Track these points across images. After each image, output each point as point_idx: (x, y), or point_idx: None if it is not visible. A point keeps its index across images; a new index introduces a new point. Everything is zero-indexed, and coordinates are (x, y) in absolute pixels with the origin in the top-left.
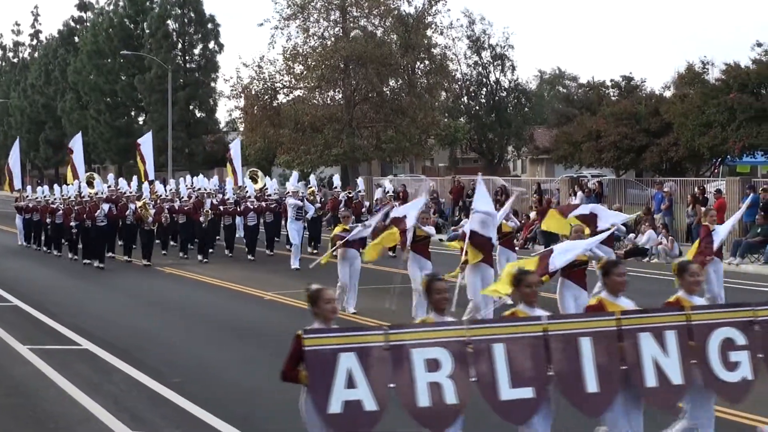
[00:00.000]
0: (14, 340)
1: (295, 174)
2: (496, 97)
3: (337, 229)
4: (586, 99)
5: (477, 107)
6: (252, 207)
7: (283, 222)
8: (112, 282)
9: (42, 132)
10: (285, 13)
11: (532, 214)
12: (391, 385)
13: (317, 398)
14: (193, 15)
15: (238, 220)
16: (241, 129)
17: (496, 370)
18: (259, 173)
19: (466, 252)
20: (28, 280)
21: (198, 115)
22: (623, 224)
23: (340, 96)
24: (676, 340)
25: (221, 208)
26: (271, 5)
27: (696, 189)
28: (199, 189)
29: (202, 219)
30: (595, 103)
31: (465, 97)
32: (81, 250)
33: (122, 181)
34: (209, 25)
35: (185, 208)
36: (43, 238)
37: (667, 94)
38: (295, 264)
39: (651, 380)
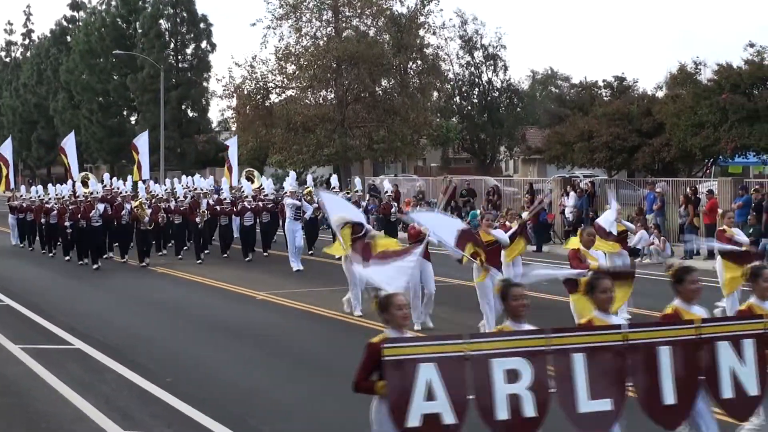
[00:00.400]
0: (6, 339)
1: (292, 174)
2: (489, 97)
3: (347, 230)
4: (578, 99)
5: (469, 107)
6: (249, 207)
7: (280, 222)
8: (105, 282)
9: (34, 131)
10: (277, 13)
11: (525, 214)
12: (470, 397)
13: (396, 411)
14: (185, 15)
15: (235, 220)
16: (234, 129)
17: (575, 381)
18: (255, 173)
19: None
20: (21, 279)
21: (190, 114)
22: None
23: (333, 96)
24: (754, 349)
25: (218, 208)
26: (263, 5)
27: (688, 189)
28: (196, 189)
29: (198, 219)
30: (588, 104)
31: (457, 97)
32: (76, 250)
33: (119, 182)
34: (201, 25)
35: (181, 209)
36: (37, 238)
37: (660, 94)
38: (297, 266)
39: (727, 391)
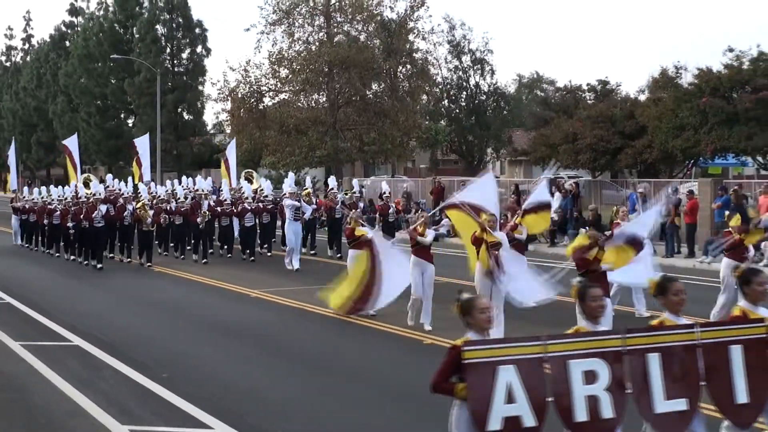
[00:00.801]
0: (7, 336)
1: (291, 175)
2: (476, 101)
3: (358, 233)
4: (563, 102)
5: (457, 110)
6: (249, 208)
7: (279, 223)
8: (105, 281)
9: (34, 134)
10: (271, 19)
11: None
12: (549, 399)
13: (477, 414)
14: (181, 20)
15: (234, 220)
16: (228, 131)
17: (651, 381)
18: (255, 174)
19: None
20: (22, 278)
21: (186, 117)
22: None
23: (324, 99)
24: None
25: (218, 209)
26: (257, 11)
27: (669, 189)
28: (197, 190)
29: (199, 220)
30: (572, 107)
31: (445, 101)
32: (78, 250)
33: (121, 183)
34: (197, 30)
35: (182, 209)
36: (40, 238)
37: (642, 97)
38: (296, 264)
39: None
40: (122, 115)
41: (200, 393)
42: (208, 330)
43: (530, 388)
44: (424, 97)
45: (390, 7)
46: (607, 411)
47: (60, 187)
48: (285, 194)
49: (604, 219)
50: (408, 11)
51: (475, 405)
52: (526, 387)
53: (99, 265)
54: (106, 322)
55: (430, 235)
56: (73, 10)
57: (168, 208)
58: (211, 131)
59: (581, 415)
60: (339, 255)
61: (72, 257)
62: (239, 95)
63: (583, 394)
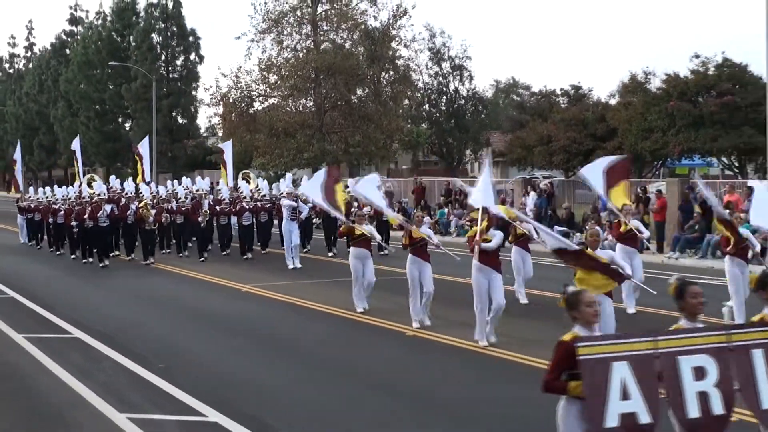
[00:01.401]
0: (10, 329)
1: (288, 176)
2: (455, 105)
3: (359, 232)
4: (538, 106)
5: (437, 114)
6: (248, 207)
7: (276, 222)
8: (106, 278)
9: (36, 137)
10: (260, 27)
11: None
12: (662, 396)
13: (593, 412)
14: (175, 29)
15: (233, 219)
16: (220, 134)
17: (757, 377)
18: (252, 174)
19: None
20: (25, 274)
21: (180, 121)
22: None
23: (311, 104)
24: None
25: (217, 208)
26: (247, 20)
27: (639, 189)
28: (198, 190)
29: (200, 219)
30: (547, 110)
31: (426, 105)
32: (81, 249)
33: (125, 183)
34: (190, 38)
35: (183, 209)
36: (45, 237)
37: (613, 101)
38: (295, 263)
39: None
40: (120, 119)
41: (195, 383)
42: (203, 323)
43: (643, 385)
44: (406, 101)
45: (374, 16)
46: (718, 407)
47: (64, 187)
48: (282, 194)
49: (576, 217)
50: (391, 20)
51: (591, 401)
52: (639, 383)
53: (103, 263)
54: (105, 315)
55: (496, 237)
56: (73, 20)
57: (169, 207)
58: (204, 134)
59: (693, 411)
60: (332, 254)
61: (74, 255)
62: (231, 100)
63: (693, 390)
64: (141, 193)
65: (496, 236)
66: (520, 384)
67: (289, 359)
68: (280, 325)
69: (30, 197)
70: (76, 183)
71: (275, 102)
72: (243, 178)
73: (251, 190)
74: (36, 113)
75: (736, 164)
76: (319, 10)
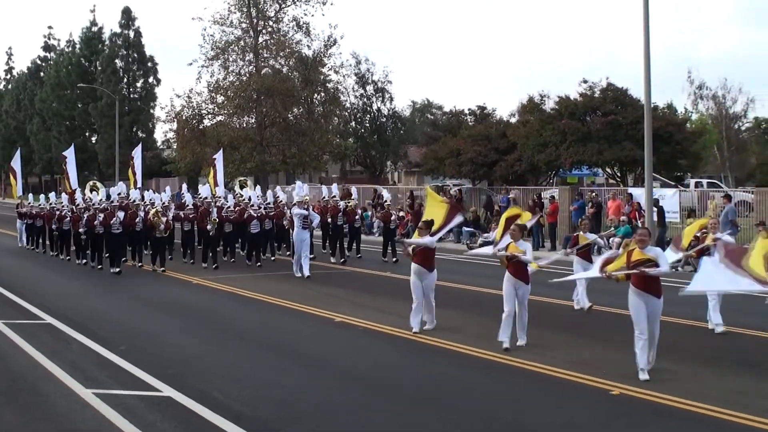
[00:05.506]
0: None
1: (299, 184)
2: (378, 122)
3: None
4: (448, 124)
5: (362, 130)
6: (255, 215)
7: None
8: (103, 280)
9: (14, 149)
10: (209, 55)
11: (401, 213)
12: None
13: None
14: (136, 55)
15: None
16: (175, 147)
17: None
18: (249, 181)
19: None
20: (21, 275)
21: (140, 135)
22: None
23: (253, 121)
24: None
25: (224, 215)
26: (198, 48)
27: (535, 195)
28: (205, 198)
29: (209, 227)
30: (456, 127)
31: (353, 122)
32: (92, 255)
33: (134, 191)
34: (149, 64)
35: (191, 216)
36: (48, 242)
37: (513, 120)
38: (304, 272)
39: None
40: (87, 134)
41: (151, 362)
42: (162, 311)
43: None
44: (335, 119)
45: (307, 45)
46: None
47: (53, 194)
48: (294, 203)
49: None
50: (322, 49)
51: None
52: None
53: (115, 269)
54: (74, 304)
55: (527, 248)
56: (47, 47)
57: (176, 214)
58: (161, 147)
59: None
60: (343, 260)
61: (83, 261)
62: (183, 117)
63: None
64: (151, 200)
65: (528, 248)
66: (529, 390)
67: (235, 340)
68: (230, 313)
69: (30, 203)
70: (77, 190)
71: (222, 119)
72: (240, 186)
73: (235, 197)
74: (14, 128)
75: (618, 174)
76: (260, 39)
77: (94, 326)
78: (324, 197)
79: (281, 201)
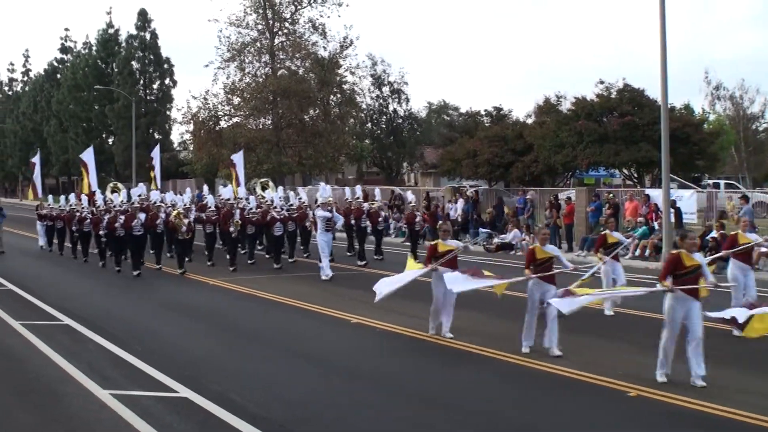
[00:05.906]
0: (8, 316)
1: (322, 185)
2: (394, 124)
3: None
4: (465, 125)
5: (378, 131)
6: (278, 218)
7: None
8: (116, 279)
9: (31, 151)
10: (226, 56)
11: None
12: None
13: None
14: (152, 57)
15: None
16: (191, 148)
17: None
18: (270, 183)
19: None
20: (38, 276)
21: (156, 137)
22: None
23: (270, 122)
24: None
25: (246, 217)
26: (214, 50)
27: (552, 196)
28: (228, 200)
29: (232, 229)
30: (472, 128)
31: (369, 124)
32: (115, 257)
33: (154, 193)
34: (165, 66)
35: (213, 218)
36: (69, 244)
37: (529, 121)
38: (328, 273)
39: None
40: (104, 135)
41: (168, 363)
42: (179, 312)
43: None
44: (352, 120)
45: (323, 47)
46: None
47: (73, 195)
48: (317, 205)
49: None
50: (338, 50)
51: None
52: None
53: (137, 271)
54: (91, 305)
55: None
56: (64, 49)
57: (198, 216)
58: (177, 148)
59: None
60: (365, 262)
61: (101, 263)
62: (200, 119)
63: None
64: (173, 201)
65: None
66: (544, 392)
67: (245, 341)
68: (241, 314)
69: (50, 205)
70: (98, 192)
71: (238, 120)
72: (262, 187)
73: (257, 198)
74: (31, 130)
75: (635, 175)
76: (276, 41)
77: (111, 327)
78: (347, 199)
79: (304, 202)
